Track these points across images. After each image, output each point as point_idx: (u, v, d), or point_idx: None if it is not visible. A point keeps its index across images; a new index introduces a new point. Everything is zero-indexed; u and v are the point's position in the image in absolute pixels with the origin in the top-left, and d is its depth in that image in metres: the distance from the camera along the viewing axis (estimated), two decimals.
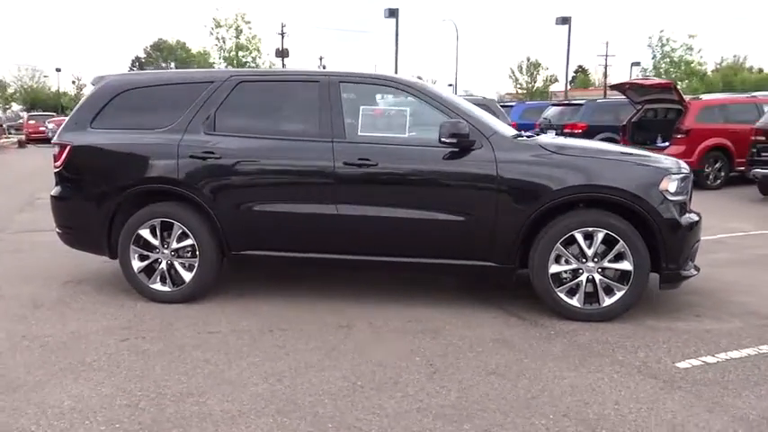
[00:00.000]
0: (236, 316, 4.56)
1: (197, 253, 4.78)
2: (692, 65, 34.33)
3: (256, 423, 3.03)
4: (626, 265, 4.33)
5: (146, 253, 4.86)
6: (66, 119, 5.21)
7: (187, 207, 4.80)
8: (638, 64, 47.76)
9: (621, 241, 4.30)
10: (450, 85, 48.04)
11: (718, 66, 66.45)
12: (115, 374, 3.57)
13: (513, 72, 66.19)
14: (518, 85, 66.32)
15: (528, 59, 66.41)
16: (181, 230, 4.77)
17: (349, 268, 5.01)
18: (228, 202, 4.72)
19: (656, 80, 13.48)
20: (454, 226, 4.49)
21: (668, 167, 4.48)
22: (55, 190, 5.18)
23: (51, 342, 4.07)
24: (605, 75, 59.57)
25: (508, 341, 4.08)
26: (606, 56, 60.80)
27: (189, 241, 4.78)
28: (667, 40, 35.31)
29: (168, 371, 3.62)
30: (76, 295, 5.09)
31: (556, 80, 65.31)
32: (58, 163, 5.06)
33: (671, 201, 4.35)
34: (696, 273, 4.56)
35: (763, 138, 10.43)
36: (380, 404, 3.21)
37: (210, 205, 4.72)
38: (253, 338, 4.14)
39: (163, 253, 4.83)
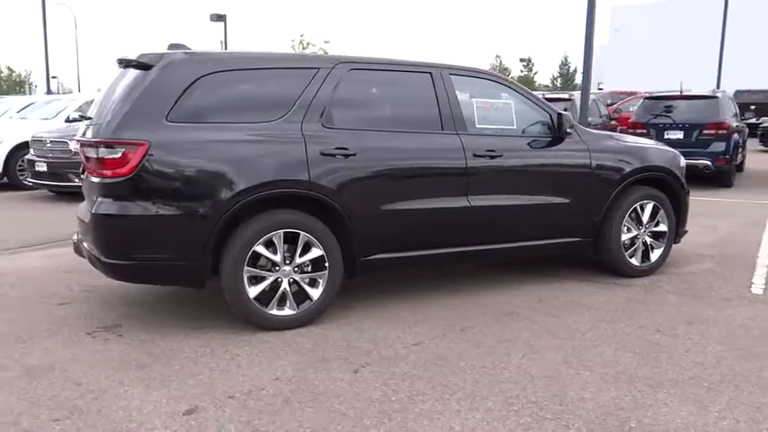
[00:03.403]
0: (391, 326, 4.22)
1: (325, 264, 4.18)
2: None
3: (665, 396, 3.21)
4: (663, 227, 5.48)
5: (261, 273, 4.04)
6: (119, 111, 3.82)
7: (312, 213, 4.15)
8: None
9: (662, 209, 5.44)
10: (55, 77, 43.03)
11: None
12: (453, 399, 3.18)
13: None
14: None
15: None
16: (306, 241, 4.11)
17: (472, 259, 5.00)
18: (368, 203, 4.27)
19: None
20: (563, 208, 4.98)
21: (677, 152, 5.79)
22: (108, 206, 3.83)
23: (283, 390, 3.25)
24: None
25: (636, 299, 4.81)
26: None
27: (316, 252, 4.15)
28: (307, 44, 38.49)
29: (480, 384, 3.36)
30: (151, 343, 3.91)
31: None
32: (124, 169, 3.74)
33: (684, 175, 5.67)
34: (687, 231, 5.99)
35: None
36: (677, 362, 3.67)
37: (345, 208, 4.19)
38: (463, 340, 3.97)
39: (283, 270, 4.09)
